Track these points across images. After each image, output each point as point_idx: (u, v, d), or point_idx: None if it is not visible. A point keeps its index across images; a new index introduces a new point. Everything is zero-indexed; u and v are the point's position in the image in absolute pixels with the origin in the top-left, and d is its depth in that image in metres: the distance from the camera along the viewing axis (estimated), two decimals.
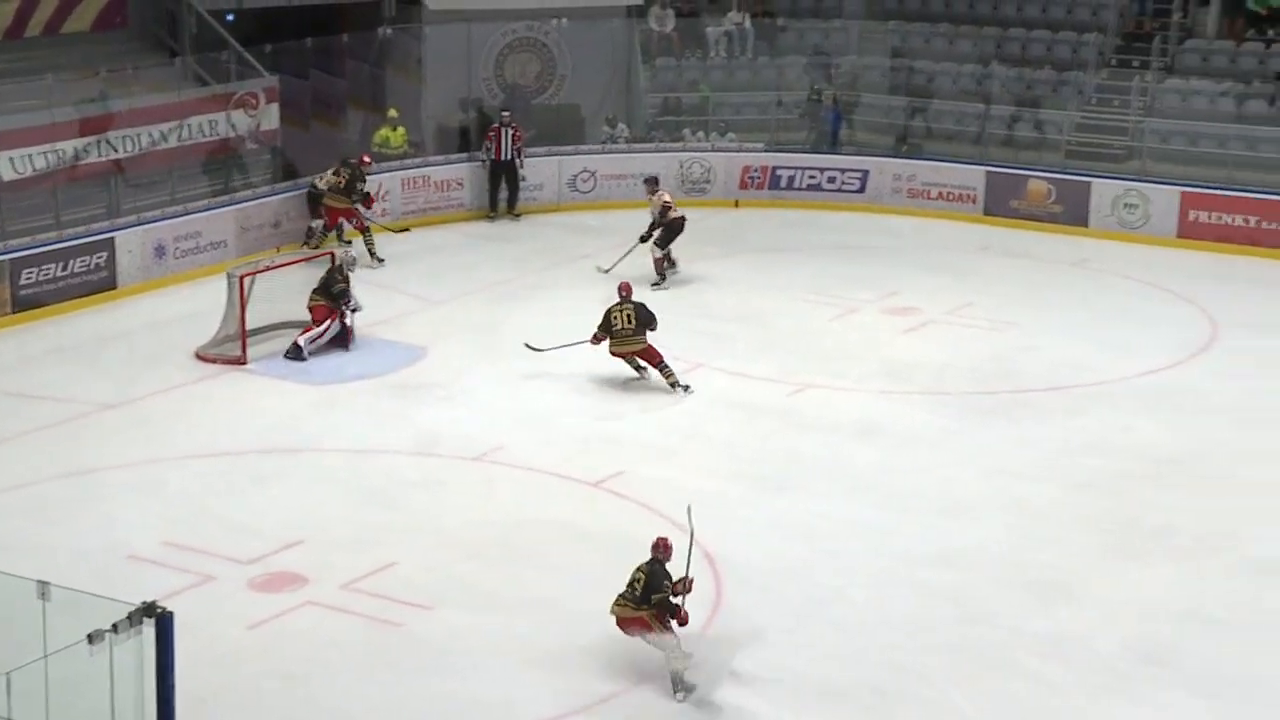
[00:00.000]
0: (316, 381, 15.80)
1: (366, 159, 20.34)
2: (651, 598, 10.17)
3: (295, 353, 16.26)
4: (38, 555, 11.32)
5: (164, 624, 7.58)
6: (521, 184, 22.17)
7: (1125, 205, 21.60)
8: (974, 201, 22.51)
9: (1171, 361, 16.30)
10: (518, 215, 21.96)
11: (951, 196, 22.65)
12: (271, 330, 16.80)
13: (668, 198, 19.32)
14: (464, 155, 22.31)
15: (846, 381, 15.91)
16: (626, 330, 15.54)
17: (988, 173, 22.47)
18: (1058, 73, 23.99)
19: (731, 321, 17.84)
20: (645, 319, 15.61)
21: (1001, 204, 22.34)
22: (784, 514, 12.96)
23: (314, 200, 20.00)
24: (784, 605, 11.43)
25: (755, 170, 23.27)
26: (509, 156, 21.72)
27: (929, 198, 22.77)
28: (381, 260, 19.71)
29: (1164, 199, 21.36)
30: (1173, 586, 11.83)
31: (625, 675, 10.39)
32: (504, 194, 22.01)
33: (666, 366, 15.63)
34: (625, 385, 15.79)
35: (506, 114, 21.88)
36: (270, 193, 20.39)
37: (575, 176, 22.83)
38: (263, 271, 16.71)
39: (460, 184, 22.06)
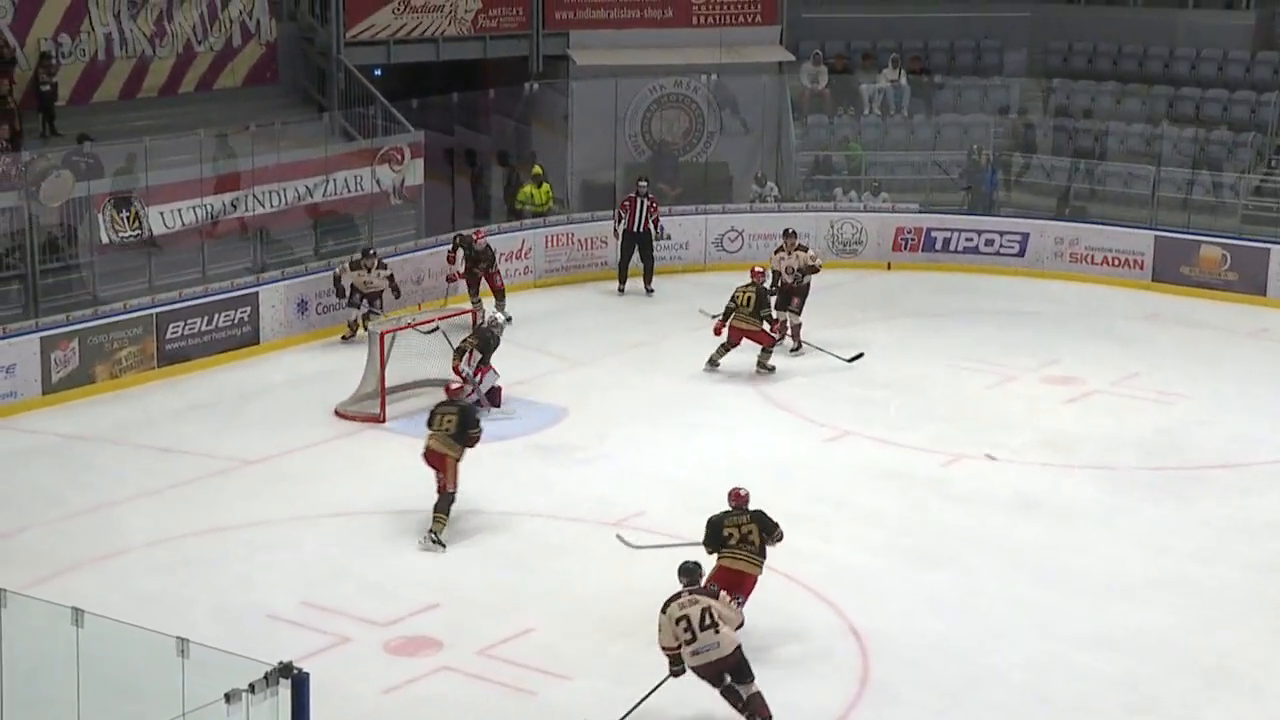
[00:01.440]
0: None
1: (480, 233, 19.67)
2: (775, 532, 11.35)
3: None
4: (178, 611, 11.30)
5: (300, 685, 7.57)
6: (666, 242, 21.74)
7: None
8: (1141, 267, 21.70)
9: None
10: (651, 290, 21.01)
11: (1117, 262, 21.87)
12: (412, 388, 16.68)
13: (817, 259, 18.73)
14: (609, 213, 22.00)
15: (1004, 452, 15.29)
16: (745, 309, 17.14)
17: (1157, 237, 21.66)
18: (1234, 133, 23.10)
19: (883, 388, 17.34)
20: (763, 303, 17.26)
21: (1171, 270, 21.50)
22: (937, 589, 12.44)
23: (340, 286, 18.68)
24: (937, 685, 10.94)
25: (909, 232, 22.72)
26: (641, 228, 20.91)
27: (1093, 263, 22.01)
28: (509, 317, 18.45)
29: None
30: None
31: None
32: (639, 264, 21.25)
33: (769, 351, 17.33)
34: (772, 453, 15.33)
35: (644, 184, 21.20)
36: (413, 249, 20.34)
37: (722, 236, 22.50)
38: (404, 329, 16.58)
39: (604, 242, 21.76)
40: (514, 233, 21.29)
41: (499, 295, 19.26)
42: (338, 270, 18.69)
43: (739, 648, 10.13)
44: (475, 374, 16.09)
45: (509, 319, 17.94)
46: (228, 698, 7.38)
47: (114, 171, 17.97)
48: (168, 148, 18.34)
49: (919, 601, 12.23)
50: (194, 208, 18.21)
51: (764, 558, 11.23)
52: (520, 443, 15.57)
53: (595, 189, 23.07)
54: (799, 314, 18.34)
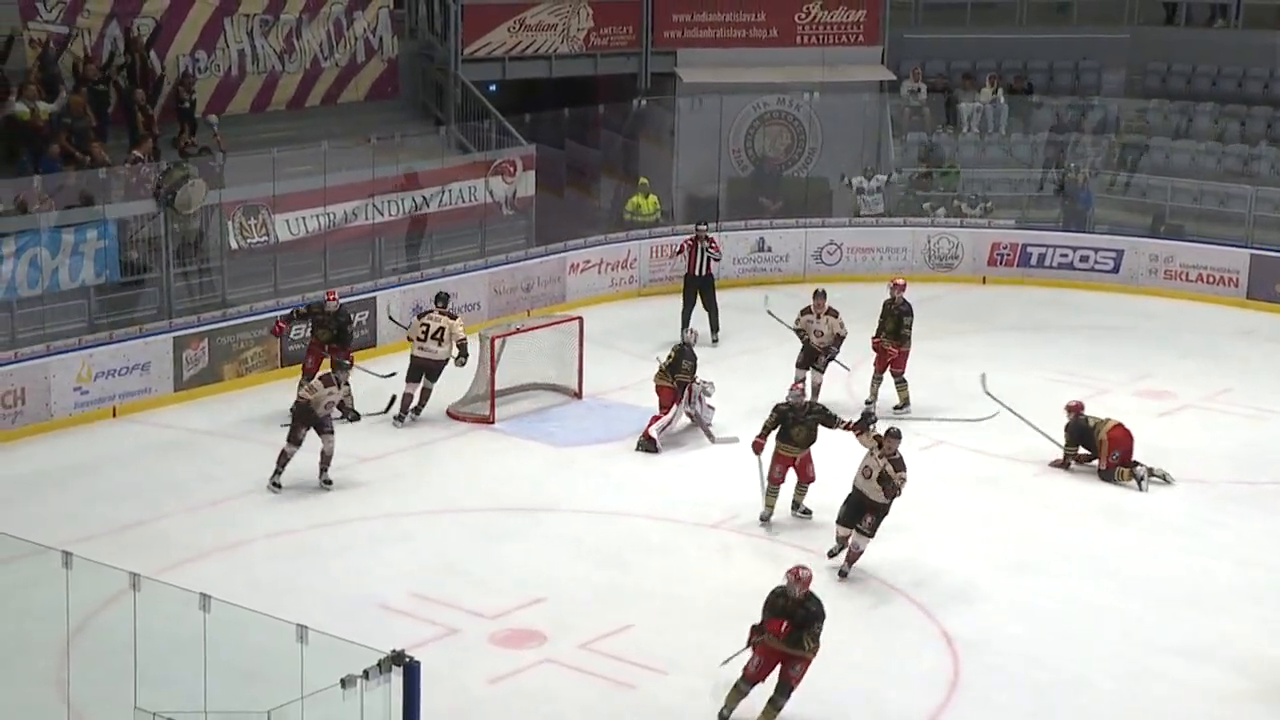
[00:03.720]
0: (559, 443, 16.01)
1: (332, 294, 17.04)
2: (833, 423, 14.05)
3: (648, 445, 15.77)
4: (297, 600, 11.73)
5: (412, 673, 7.83)
6: (767, 254, 21.85)
7: None
8: (1236, 285, 21.75)
9: None
10: (717, 341, 19.63)
11: (1211, 279, 21.93)
12: (520, 391, 17.18)
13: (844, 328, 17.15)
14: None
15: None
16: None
17: (1252, 255, 21.68)
18: None
19: (976, 399, 17.50)
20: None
21: (1266, 288, 21.51)
22: (1027, 596, 12.70)
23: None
24: (1025, 689, 11.19)
25: (1004, 247, 22.93)
26: (703, 272, 19.63)
27: (1187, 280, 22.08)
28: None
29: None
30: None
31: None
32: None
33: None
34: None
35: (703, 226, 20.14)
36: (523, 257, 20.88)
37: (821, 249, 22.86)
38: (513, 334, 17.07)
39: None
40: (620, 243, 21.85)
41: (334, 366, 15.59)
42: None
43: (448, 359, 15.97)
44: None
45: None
46: (343, 683, 7.71)
47: (243, 182, 18.60)
48: (294, 158, 19.01)
49: (1009, 607, 12.47)
50: (317, 215, 18.89)
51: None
52: (620, 445, 15.92)
53: (700, 202, 23.54)
54: (822, 373, 17.23)
